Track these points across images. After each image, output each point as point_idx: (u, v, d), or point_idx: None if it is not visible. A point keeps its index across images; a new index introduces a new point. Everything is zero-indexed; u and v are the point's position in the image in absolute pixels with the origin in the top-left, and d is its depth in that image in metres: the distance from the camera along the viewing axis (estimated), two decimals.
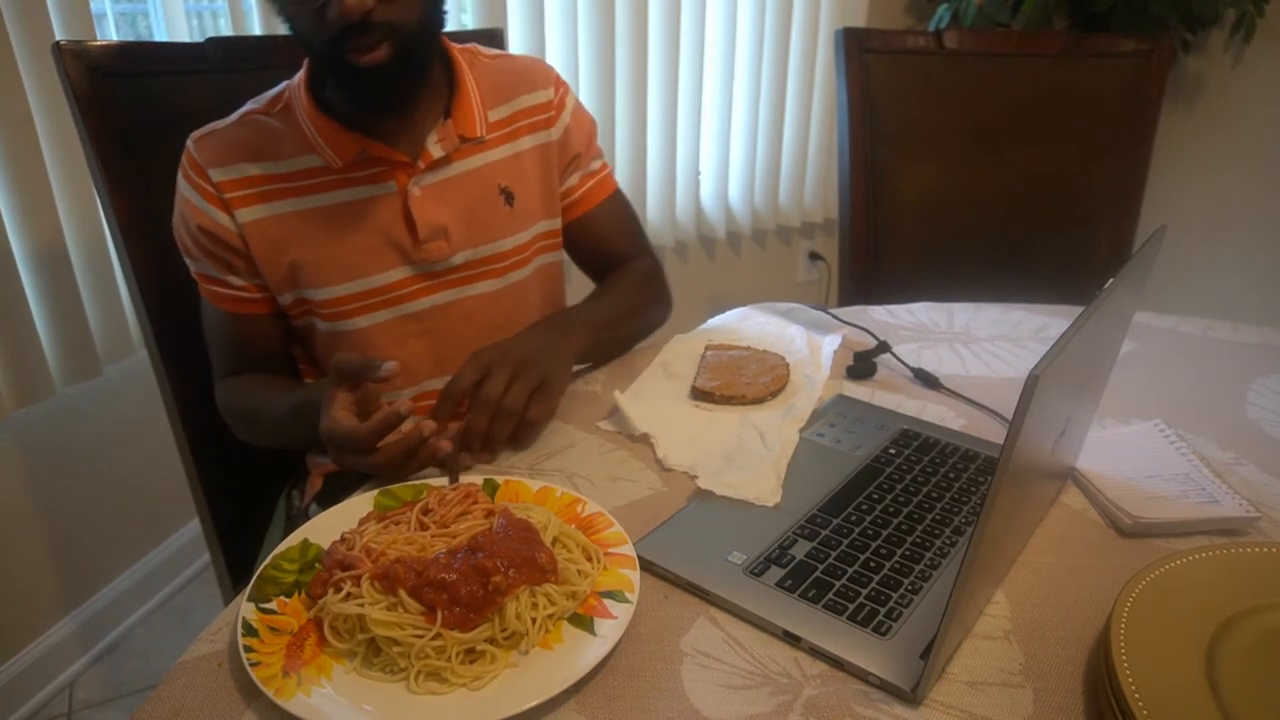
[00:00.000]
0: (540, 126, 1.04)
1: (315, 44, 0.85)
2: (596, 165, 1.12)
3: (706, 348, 1.03)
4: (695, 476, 0.79)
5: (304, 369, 1.08)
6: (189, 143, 0.93)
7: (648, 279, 1.13)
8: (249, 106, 0.96)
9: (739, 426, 0.88)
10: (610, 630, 0.60)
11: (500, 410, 0.82)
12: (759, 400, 0.93)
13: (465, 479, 0.77)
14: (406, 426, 0.76)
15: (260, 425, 0.99)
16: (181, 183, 0.94)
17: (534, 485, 0.76)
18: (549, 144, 1.05)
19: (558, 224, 1.10)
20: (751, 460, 0.82)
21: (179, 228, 0.96)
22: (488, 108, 1.00)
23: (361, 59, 0.83)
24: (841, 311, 1.15)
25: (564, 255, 1.14)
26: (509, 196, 1.02)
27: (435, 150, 0.95)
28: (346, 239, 0.95)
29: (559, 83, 1.07)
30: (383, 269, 0.97)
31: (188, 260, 0.97)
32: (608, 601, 0.63)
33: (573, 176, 1.09)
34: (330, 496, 1.06)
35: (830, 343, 1.06)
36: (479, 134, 0.98)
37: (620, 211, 1.16)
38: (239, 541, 1.13)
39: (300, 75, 0.94)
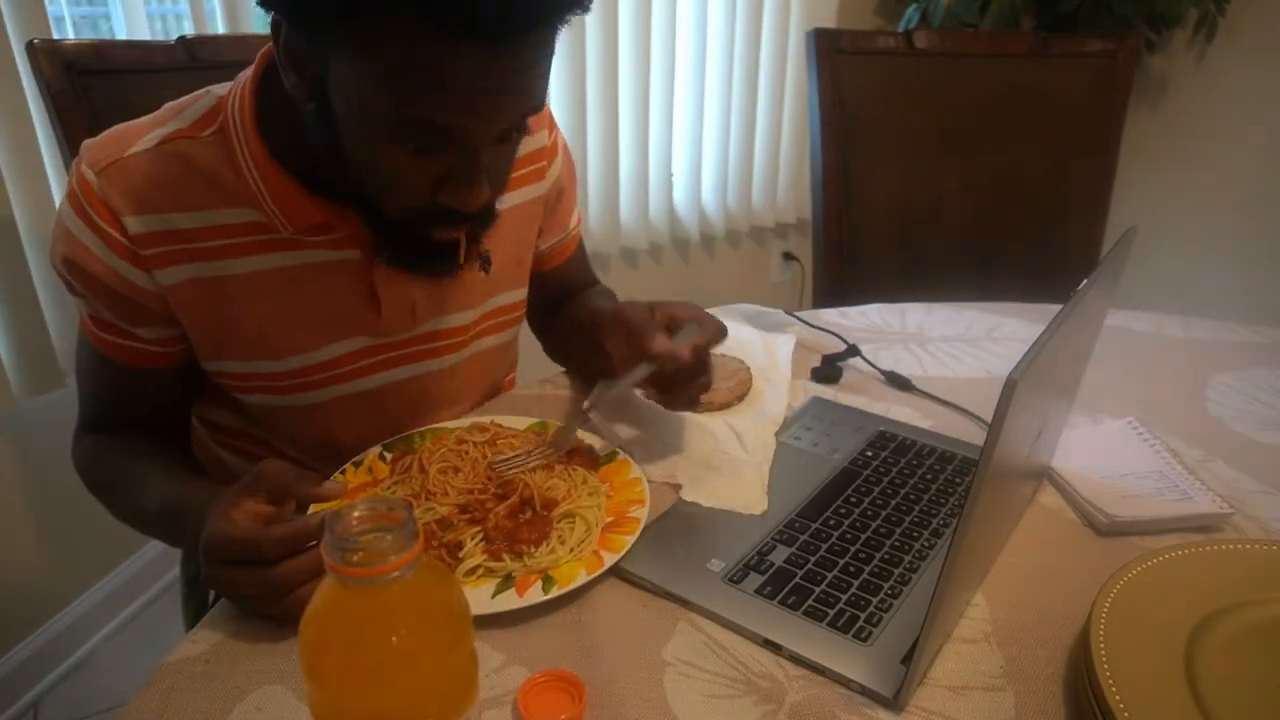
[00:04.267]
0: (529, 179, 0.88)
1: (399, 208, 0.69)
2: (574, 220, 1.00)
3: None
4: (678, 486, 0.79)
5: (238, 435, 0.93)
6: (88, 170, 0.72)
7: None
8: (172, 127, 0.74)
9: (718, 431, 0.88)
10: (503, 601, 0.63)
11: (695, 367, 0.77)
12: (725, 405, 0.93)
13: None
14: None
15: (119, 502, 0.81)
16: (72, 217, 0.72)
17: (635, 469, 0.78)
18: (535, 199, 0.90)
19: (523, 295, 0.95)
20: (733, 466, 0.81)
21: (65, 265, 0.74)
22: None
23: (444, 237, 0.72)
24: (798, 314, 1.15)
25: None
26: (485, 262, 0.84)
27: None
28: (295, 308, 0.78)
29: (553, 123, 0.91)
30: (331, 341, 0.81)
31: (74, 298, 0.77)
32: (537, 584, 0.65)
33: (554, 237, 0.97)
34: None
35: (784, 344, 1.06)
36: None
37: (584, 255, 1.06)
38: None
39: (242, 104, 0.72)
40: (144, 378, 0.81)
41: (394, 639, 0.42)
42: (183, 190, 0.73)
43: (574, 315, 0.99)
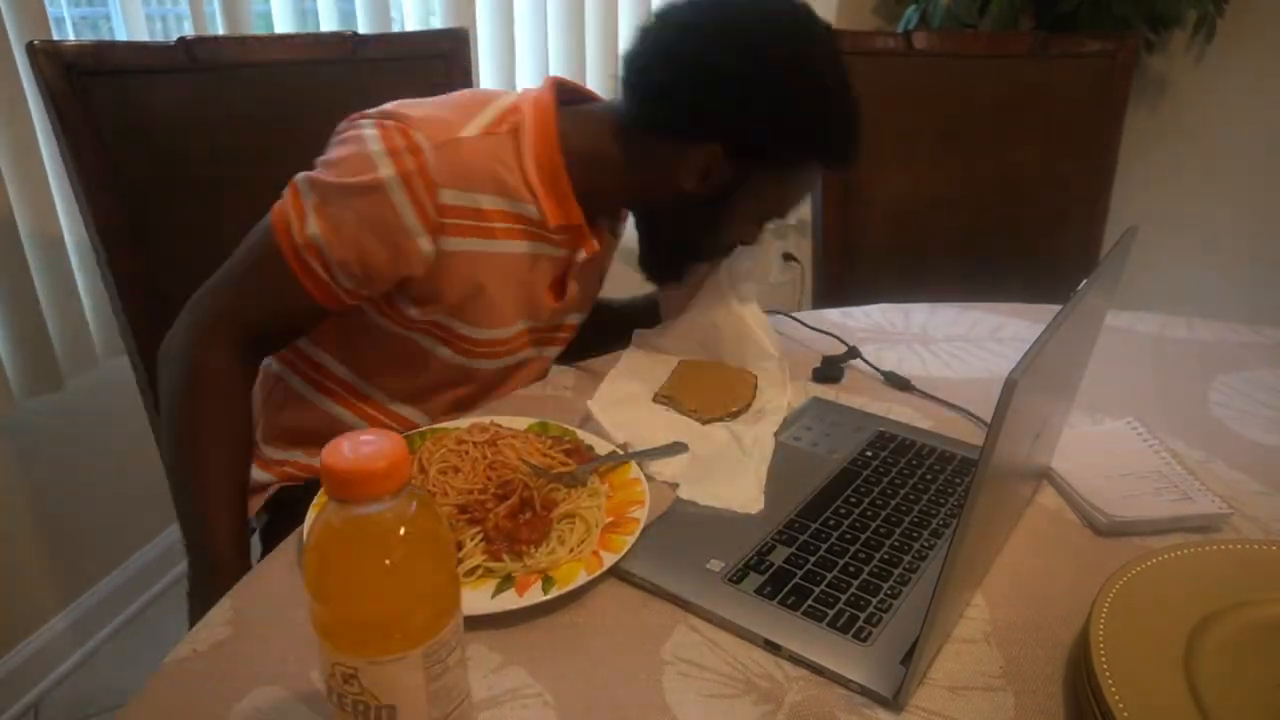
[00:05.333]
0: None
1: (713, 251, 0.98)
2: None
3: (680, 363, 1.01)
4: (676, 485, 0.79)
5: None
6: (424, 140, 0.79)
7: None
8: (480, 119, 0.84)
9: (716, 432, 0.88)
10: (503, 601, 0.64)
11: None
12: (727, 416, 0.91)
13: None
14: None
15: (183, 462, 0.82)
16: (394, 181, 0.78)
17: (635, 469, 0.79)
18: None
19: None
20: (732, 467, 0.81)
21: (349, 221, 0.79)
22: None
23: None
24: (798, 315, 1.15)
25: None
26: (602, 276, 1.05)
27: (608, 230, 0.99)
28: (513, 286, 0.91)
29: None
30: (517, 320, 0.94)
31: (315, 233, 0.79)
32: (537, 584, 0.65)
33: None
34: (280, 510, 0.99)
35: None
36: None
37: None
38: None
39: (542, 116, 0.86)
40: (306, 306, 0.84)
41: (387, 560, 0.45)
42: (493, 176, 0.84)
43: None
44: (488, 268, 0.88)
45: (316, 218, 0.80)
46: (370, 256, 0.81)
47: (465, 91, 0.92)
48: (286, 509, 0.97)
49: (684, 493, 0.78)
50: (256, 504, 0.98)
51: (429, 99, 0.88)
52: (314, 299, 0.83)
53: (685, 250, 0.97)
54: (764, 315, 1.02)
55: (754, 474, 0.80)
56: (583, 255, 0.93)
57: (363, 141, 0.80)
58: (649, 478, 0.78)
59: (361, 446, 0.44)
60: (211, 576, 0.77)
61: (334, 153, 0.82)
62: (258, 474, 0.99)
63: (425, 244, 0.82)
